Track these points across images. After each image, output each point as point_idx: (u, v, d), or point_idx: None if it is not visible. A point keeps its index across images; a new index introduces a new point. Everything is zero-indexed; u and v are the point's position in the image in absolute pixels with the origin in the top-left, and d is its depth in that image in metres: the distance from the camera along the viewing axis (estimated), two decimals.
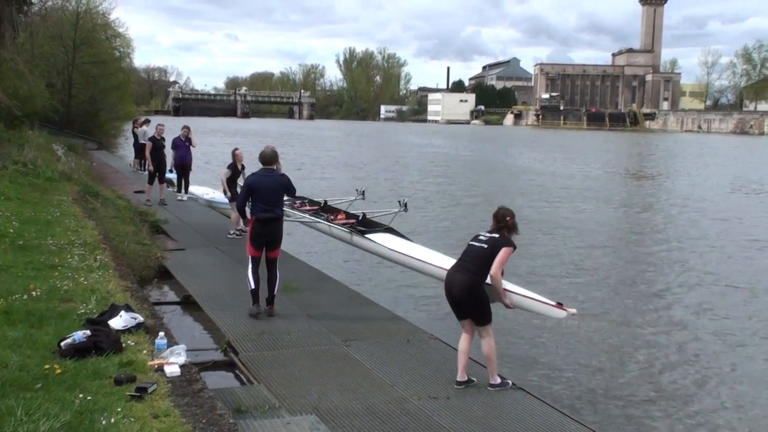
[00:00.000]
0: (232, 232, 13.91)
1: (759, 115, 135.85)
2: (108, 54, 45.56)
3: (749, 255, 17.53)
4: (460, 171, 41.03)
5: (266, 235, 8.75)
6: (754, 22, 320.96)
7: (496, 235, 6.57)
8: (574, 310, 6.81)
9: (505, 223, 6.62)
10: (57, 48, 39.98)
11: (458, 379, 6.78)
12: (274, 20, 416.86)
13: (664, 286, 14.28)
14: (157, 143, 18.55)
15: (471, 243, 6.75)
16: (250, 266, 8.87)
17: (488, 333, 6.66)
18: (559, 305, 6.78)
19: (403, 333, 8.50)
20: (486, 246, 6.54)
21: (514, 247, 6.60)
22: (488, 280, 6.60)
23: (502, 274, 6.60)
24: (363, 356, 7.60)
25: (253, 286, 8.84)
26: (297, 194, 9.84)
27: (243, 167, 14.10)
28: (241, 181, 13.46)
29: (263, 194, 8.66)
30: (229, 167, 14.23)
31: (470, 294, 6.53)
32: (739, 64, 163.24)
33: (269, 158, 8.86)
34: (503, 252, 6.47)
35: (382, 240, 9.74)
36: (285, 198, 9.21)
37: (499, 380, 6.75)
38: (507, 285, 6.84)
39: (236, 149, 14.48)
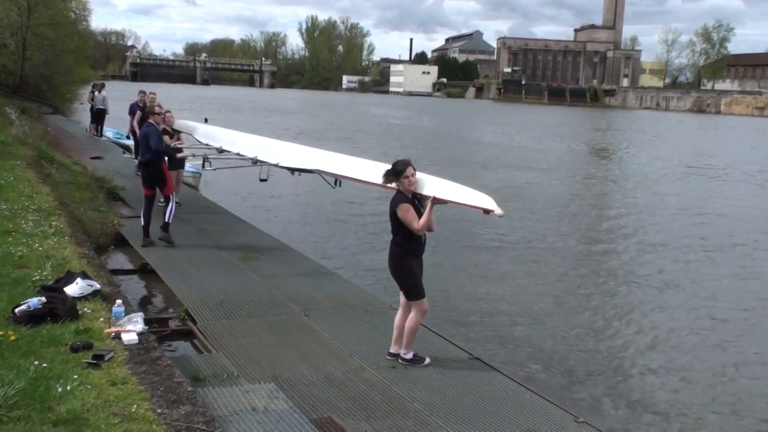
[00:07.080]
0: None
1: (716, 94, 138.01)
2: (63, 16, 44.38)
3: (700, 225, 17.92)
4: (419, 142, 41.11)
5: (145, 175, 10.67)
6: (714, 1, 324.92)
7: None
8: (501, 212, 6.10)
9: (392, 170, 6.40)
10: (10, 8, 38.83)
11: (390, 350, 6.79)
12: None
13: (620, 258, 14.55)
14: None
15: None
16: (143, 205, 10.60)
17: (415, 308, 6.55)
18: (487, 212, 6.15)
19: (362, 303, 8.55)
20: (390, 212, 6.45)
21: (408, 202, 6.32)
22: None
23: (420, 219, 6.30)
24: (322, 326, 7.62)
25: (143, 223, 10.54)
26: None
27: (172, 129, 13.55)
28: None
29: (141, 142, 10.71)
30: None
31: (392, 266, 6.56)
32: (699, 43, 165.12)
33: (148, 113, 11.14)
34: (400, 213, 6.29)
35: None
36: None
37: (411, 355, 6.69)
38: (436, 189, 6.34)
39: (167, 112, 13.82)
